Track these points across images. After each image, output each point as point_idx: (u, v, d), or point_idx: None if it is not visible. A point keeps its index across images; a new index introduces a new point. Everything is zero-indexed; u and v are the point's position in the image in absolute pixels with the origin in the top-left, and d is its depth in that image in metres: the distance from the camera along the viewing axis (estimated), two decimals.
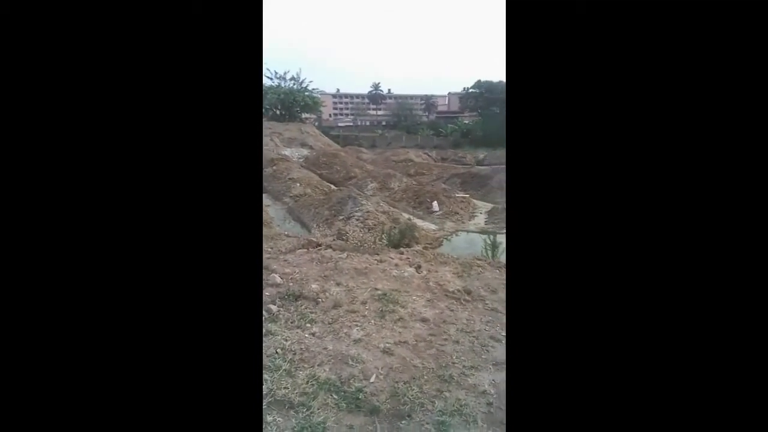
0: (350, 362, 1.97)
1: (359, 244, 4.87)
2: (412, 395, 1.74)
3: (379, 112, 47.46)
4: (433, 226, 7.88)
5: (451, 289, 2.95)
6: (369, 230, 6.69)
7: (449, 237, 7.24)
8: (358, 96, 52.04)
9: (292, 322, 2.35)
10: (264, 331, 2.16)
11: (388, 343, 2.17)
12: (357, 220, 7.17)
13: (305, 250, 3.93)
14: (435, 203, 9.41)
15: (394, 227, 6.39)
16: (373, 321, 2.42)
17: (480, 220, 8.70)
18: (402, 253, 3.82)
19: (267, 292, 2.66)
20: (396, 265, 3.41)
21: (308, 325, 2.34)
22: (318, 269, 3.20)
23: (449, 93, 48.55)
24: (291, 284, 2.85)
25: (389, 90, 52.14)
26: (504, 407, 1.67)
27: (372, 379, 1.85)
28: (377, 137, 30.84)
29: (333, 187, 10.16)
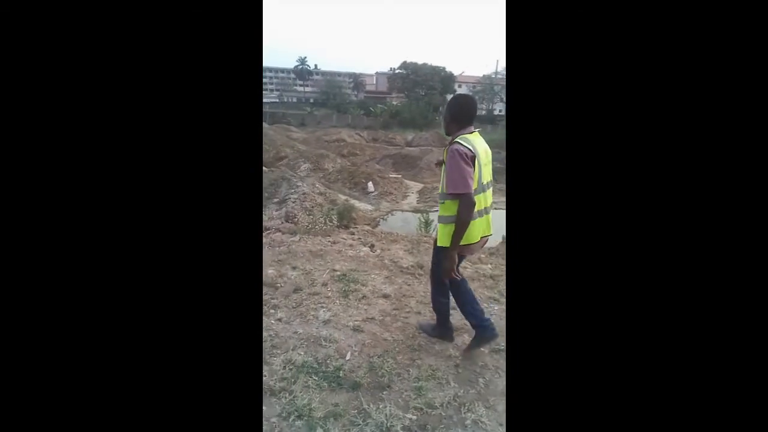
0: (323, 343, 1.98)
1: (309, 226, 4.76)
2: (388, 367, 1.83)
3: (307, 89, 45.26)
4: (369, 207, 8.00)
5: (405, 265, 3.09)
6: (307, 212, 6.54)
7: (385, 216, 7.46)
8: (283, 70, 48.76)
9: None
10: None
11: (356, 320, 2.22)
12: (293, 202, 6.92)
13: None
14: (370, 184, 9.53)
15: (332, 208, 6.34)
16: (338, 301, 2.44)
17: (412, 199, 9.08)
18: (353, 234, 3.84)
19: None
20: (350, 245, 3.43)
21: (272, 311, 2.27)
22: (270, 254, 3.06)
23: (377, 72, 48.37)
24: None
25: (316, 66, 49.86)
26: (470, 367, 1.87)
27: (348, 357, 1.89)
28: (306, 115, 29.55)
29: (264, 168, 9.61)
